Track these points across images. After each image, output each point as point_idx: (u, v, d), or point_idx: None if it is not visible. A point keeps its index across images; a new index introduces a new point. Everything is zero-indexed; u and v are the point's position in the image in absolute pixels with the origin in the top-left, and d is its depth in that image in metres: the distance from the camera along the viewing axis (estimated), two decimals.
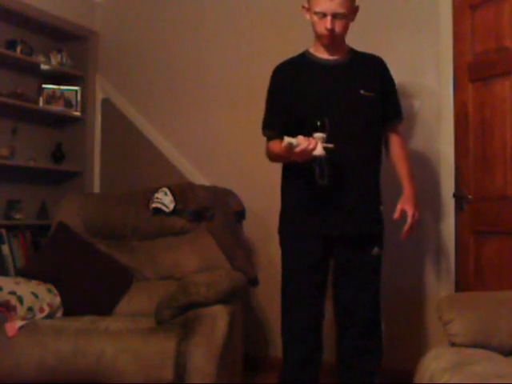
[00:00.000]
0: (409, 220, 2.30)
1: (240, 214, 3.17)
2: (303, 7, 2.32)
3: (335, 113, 2.23)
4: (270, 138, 2.39)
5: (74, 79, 4.03)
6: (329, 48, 2.32)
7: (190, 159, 3.74)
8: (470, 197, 2.80)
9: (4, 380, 2.48)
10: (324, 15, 2.19)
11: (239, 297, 2.79)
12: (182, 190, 3.15)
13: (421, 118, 3.11)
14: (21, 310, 2.61)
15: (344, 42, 2.36)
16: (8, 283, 2.71)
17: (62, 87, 3.96)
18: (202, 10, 3.75)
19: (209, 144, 3.67)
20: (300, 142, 2.04)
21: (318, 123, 2.11)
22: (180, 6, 3.82)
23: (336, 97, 2.26)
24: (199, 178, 3.61)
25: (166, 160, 3.80)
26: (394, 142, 2.47)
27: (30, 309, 2.65)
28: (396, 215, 2.29)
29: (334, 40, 2.27)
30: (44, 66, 3.82)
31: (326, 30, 2.21)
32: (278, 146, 2.24)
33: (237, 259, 2.98)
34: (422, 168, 3.05)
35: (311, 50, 2.39)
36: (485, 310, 1.99)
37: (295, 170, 2.34)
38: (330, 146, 2.08)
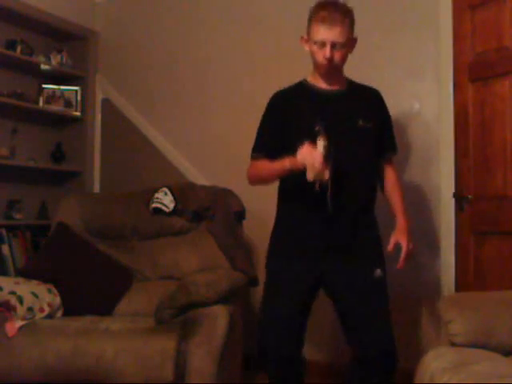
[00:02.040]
0: (403, 252, 2.28)
1: (240, 214, 3.17)
2: (302, 38, 2.31)
3: (333, 143, 2.22)
4: (255, 159, 2.36)
5: (74, 79, 4.03)
6: (327, 78, 2.31)
7: (189, 159, 3.74)
8: (469, 197, 2.80)
9: (4, 380, 2.48)
10: (323, 44, 2.19)
11: (239, 297, 2.79)
12: (182, 190, 3.16)
13: (421, 118, 3.11)
14: (21, 310, 2.61)
15: (342, 72, 2.35)
16: (8, 283, 2.71)
17: (62, 87, 3.96)
18: (203, 10, 3.75)
19: (209, 144, 3.67)
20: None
21: (316, 128, 2.11)
22: (180, 6, 3.82)
23: (334, 127, 2.24)
24: (199, 178, 3.61)
25: (166, 160, 3.80)
26: (389, 173, 2.44)
27: (29, 309, 2.65)
28: (390, 248, 2.28)
29: (332, 70, 2.26)
30: (44, 66, 3.82)
31: (325, 59, 2.20)
32: (267, 164, 2.26)
33: (237, 259, 2.99)
34: (422, 168, 3.05)
35: (309, 80, 2.37)
36: (485, 309, 1.99)
37: (294, 199, 2.32)
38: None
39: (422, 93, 3.11)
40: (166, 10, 3.87)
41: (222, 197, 3.14)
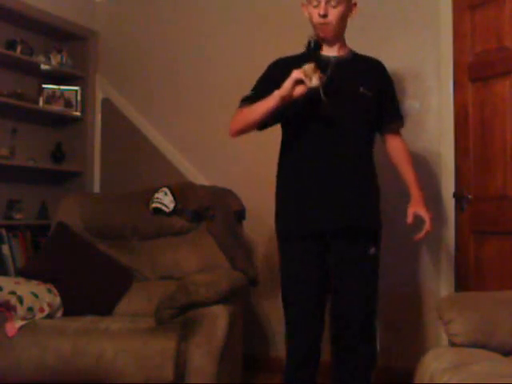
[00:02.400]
0: (427, 223, 2.29)
1: (240, 214, 3.17)
2: (302, 5, 2.32)
3: (332, 108, 2.24)
4: (243, 107, 2.34)
5: (74, 79, 4.03)
6: (327, 42, 2.31)
7: (190, 159, 3.74)
8: (470, 197, 2.80)
9: (4, 380, 2.48)
10: (318, 3, 2.21)
11: (239, 297, 2.79)
12: (182, 190, 3.15)
13: (421, 118, 3.11)
14: (21, 310, 2.61)
15: (344, 41, 2.36)
16: (8, 283, 2.71)
17: (62, 87, 3.96)
18: (203, 10, 3.75)
19: (209, 144, 3.67)
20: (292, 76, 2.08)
21: (312, 44, 2.14)
22: (180, 6, 3.82)
23: (334, 92, 2.25)
24: (199, 178, 3.61)
25: (166, 160, 3.80)
26: (397, 144, 2.45)
27: (29, 309, 2.65)
28: (409, 219, 2.29)
29: (328, 30, 2.26)
30: (44, 66, 3.82)
31: (319, 16, 2.22)
32: (254, 104, 2.23)
33: (237, 259, 2.99)
34: (423, 168, 3.05)
35: None
36: (485, 309, 1.98)
37: (292, 164, 2.34)
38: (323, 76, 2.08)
39: (422, 92, 3.11)
40: (166, 9, 3.87)
41: (221, 197, 3.14)
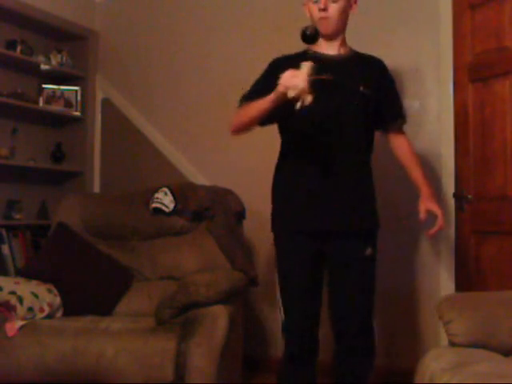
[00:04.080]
0: (440, 218, 2.29)
1: (240, 214, 3.17)
2: (304, 5, 2.32)
3: (332, 106, 2.23)
4: (243, 107, 2.34)
5: (74, 79, 4.03)
6: (327, 39, 2.30)
7: (190, 159, 3.74)
8: (469, 197, 2.80)
9: (4, 380, 2.48)
10: None
11: (239, 297, 2.79)
12: (182, 190, 3.15)
13: (421, 118, 3.11)
14: (21, 310, 2.61)
15: (344, 39, 2.36)
16: (8, 283, 2.71)
17: (62, 87, 3.96)
18: (202, 9, 3.75)
19: (209, 144, 3.67)
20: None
21: (308, 32, 2.04)
22: (180, 6, 3.82)
23: (334, 90, 2.25)
24: (199, 178, 3.62)
25: (166, 160, 3.80)
26: (401, 142, 2.44)
27: (30, 309, 2.65)
28: (422, 215, 2.28)
29: (329, 25, 2.26)
30: (44, 66, 3.82)
31: (319, 10, 2.22)
32: (253, 103, 2.21)
33: (237, 259, 2.99)
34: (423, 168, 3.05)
35: (311, 47, 2.38)
36: (485, 310, 1.98)
37: (290, 165, 2.33)
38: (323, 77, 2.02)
39: (422, 93, 3.11)
40: (165, 9, 3.87)
41: (221, 197, 3.14)
